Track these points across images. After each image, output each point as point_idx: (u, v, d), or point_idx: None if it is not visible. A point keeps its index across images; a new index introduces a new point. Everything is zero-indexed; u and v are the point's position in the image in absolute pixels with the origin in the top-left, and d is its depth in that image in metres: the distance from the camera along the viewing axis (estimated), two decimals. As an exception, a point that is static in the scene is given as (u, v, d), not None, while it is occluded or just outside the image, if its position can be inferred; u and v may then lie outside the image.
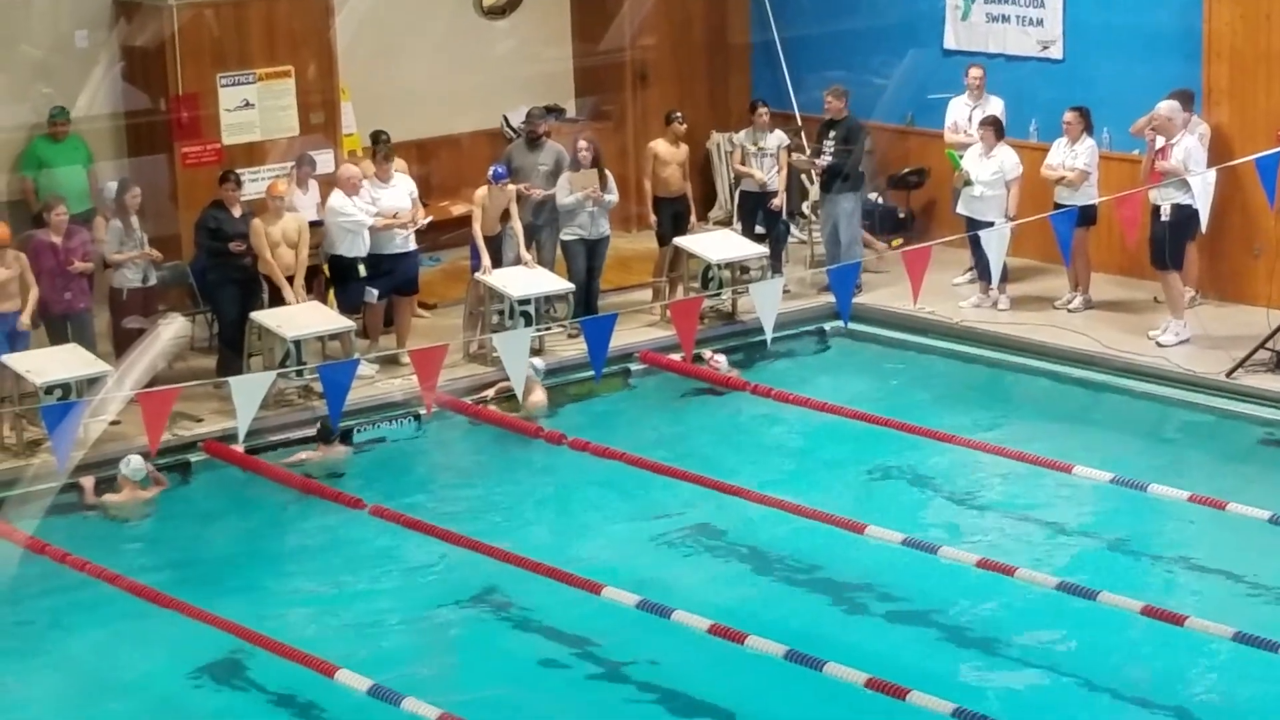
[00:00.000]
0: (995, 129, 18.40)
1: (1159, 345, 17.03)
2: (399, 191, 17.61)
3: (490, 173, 17.97)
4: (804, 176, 19.92)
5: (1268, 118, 17.69)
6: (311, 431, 15.88)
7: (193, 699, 12.10)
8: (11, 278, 15.82)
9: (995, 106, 19.01)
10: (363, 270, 17.26)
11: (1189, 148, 16.86)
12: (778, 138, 19.36)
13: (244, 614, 12.68)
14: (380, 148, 18.00)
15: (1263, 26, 17.78)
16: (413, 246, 17.68)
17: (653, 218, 19.24)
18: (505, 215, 18.05)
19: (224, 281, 16.91)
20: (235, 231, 16.79)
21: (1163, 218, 16.97)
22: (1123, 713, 11.57)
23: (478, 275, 17.78)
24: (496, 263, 17.88)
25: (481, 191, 17.97)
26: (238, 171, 17.38)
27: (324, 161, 18.36)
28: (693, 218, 19.47)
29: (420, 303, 18.45)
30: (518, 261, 17.98)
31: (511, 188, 18.05)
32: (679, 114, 19.38)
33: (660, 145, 19.20)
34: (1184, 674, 11.90)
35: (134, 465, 14.96)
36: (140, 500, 14.99)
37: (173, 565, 13.94)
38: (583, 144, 18.33)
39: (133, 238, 16.66)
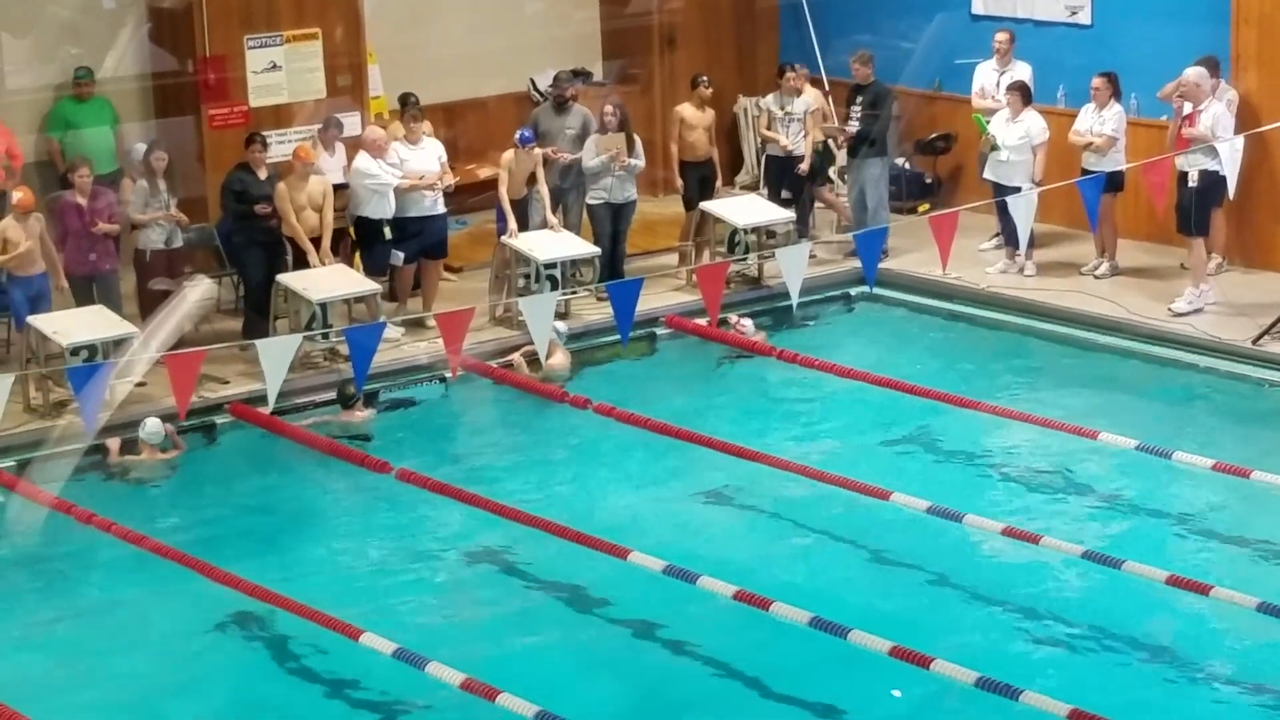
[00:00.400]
0: (1022, 94, 18.34)
1: (1173, 313, 16.97)
2: (428, 154, 17.59)
3: (517, 136, 17.97)
4: (831, 142, 19.84)
5: (1296, 84, 17.66)
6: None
7: (218, 661, 12.14)
8: (35, 243, 15.83)
9: (1023, 72, 18.95)
10: (388, 233, 17.27)
11: (1217, 114, 16.80)
12: (805, 102, 19.31)
13: (270, 577, 12.72)
14: (410, 110, 17.98)
15: (1293, -8, 17.72)
16: (441, 209, 17.68)
17: (679, 182, 19.20)
18: (531, 179, 18.04)
19: (250, 244, 16.93)
20: (261, 194, 16.80)
21: (1190, 184, 16.92)
22: (1147, 682, 11.55)
23: (504, 239, 17.78)
24: (522, 226, 17.88)
25: (508, 155, 17.97)
26: (264, 134, 17.39)
27: (351, 124, 18.34)
28: (719, 182, 19.45)
29: (446, 266, 18.45)
30: (544, 225, 17.97)
31: (538, 151, 18.03)
32: (705, 78, 19.33)
33: (687, 109, 19.16)
34: (1209, 644, 11.88)
35: (150, 429, 14.98)
36: (159, 462, 15.03)
37: (199, 527, 13.96)
38: (609, 108, 18.31)
39: (158, 199, 16.69)
